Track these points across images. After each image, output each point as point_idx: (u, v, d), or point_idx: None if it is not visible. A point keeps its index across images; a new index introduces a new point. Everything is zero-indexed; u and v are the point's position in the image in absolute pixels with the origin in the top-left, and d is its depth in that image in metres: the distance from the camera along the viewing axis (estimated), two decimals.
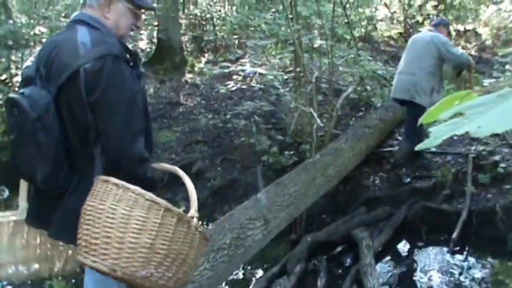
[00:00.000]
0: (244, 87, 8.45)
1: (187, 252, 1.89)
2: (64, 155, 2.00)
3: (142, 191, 1.81)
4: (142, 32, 11.70)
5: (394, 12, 12.92)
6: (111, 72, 1.93)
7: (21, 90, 2.01)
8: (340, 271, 4.65)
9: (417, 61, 5.54)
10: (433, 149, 5.86)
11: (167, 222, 1.81)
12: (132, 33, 2.49)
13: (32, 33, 9.37)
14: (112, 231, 1.78)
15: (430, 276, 4.57)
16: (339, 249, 4.98)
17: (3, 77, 9.36)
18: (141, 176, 2.00)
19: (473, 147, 5.75)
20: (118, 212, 1.79)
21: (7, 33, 8.62)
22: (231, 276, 4.59)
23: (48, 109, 1.94)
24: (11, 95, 2.02)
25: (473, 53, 10.02)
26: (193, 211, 1.93)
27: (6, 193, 7.33)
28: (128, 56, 2.05)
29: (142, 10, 2.21)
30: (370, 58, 7.42)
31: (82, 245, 1.84)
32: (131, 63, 2.05)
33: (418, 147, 0.95)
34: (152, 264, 1.79)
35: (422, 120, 0.94)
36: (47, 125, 1.94)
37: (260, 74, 7.79)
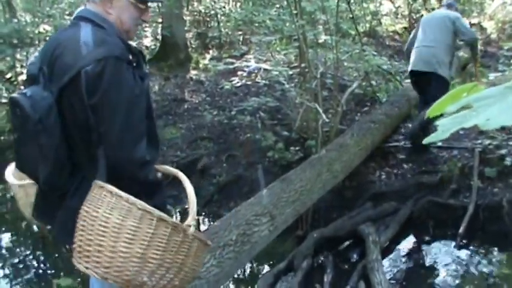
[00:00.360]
0: (249, 83, 8.45)
1: (183, 261, 1.86)
2: (65, 156, 1.99)
3: (136, 200, 1.78)
4: (146, 29, 11.71)
5: (399, 6, 12.89)
6: (112, 75, 1.89)
7: (24, 90, 1.99)
8: (346, 267, 4.64)
9: (434, 35, 5.61)
10: (439, 144, 5.84)
11: (160, 232, 1.79)
12: (139, 27, 2.44)
13: (36, 31, 9.40)
14: (104, 240, 1.77)
15: (437, 271, 4.55)
16: (346, 244, 4.97)
17: (9, 75, 9.40)
18: (142, 179, 1.98)
19: (479, 141, 5.72)
20: (111, 221, 1.77)
21: (12, 32, 8.66)
22: (238, 273, 4.59)
23: (49, 111, 1.92)
24: (14, 94, 2.00)
25: (478, 47, 9.98)
26: (191, 219, 1.90)
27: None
28: (130, 56, 2.00)
29: (149, 4, 2.16)
30: (375, 53, 7.39)
31: (77, 250, 1.84)
32: (134, 64, 2.01)
33: (425, 141, 0.94)
34: (144, 273, 1.78)
35: (429, 113, 0.92)
36: (48, 126, 1.92)
37: (265, 69, 7.78)
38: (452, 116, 0.79)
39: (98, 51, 1.91)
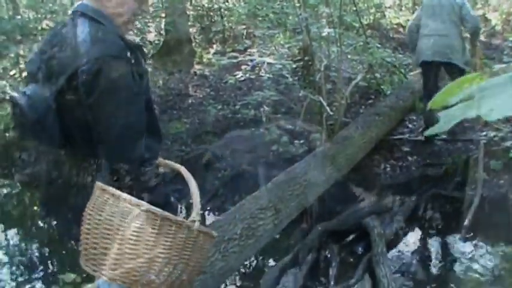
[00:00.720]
0: (253, 77, 8.43)
1: (189, 256, 1.88)
2: (66, 155, 1.99)
3: (139, 201, 1.79)
4: (150, 24, 11.69)
5: None
6: (109, 74, 1.87)
7: (23, 89, 1.98)
8: (352, 260, 4.64)
9: (444, 22, 5.50)
10: (444, 136, 5.82)
11: (165, 231, 1.80)
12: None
13: (39, 27, 9.40)
14: (110, 242, 1.78)
15: (442, 264, 4.55)
16: (351, 238, 4.96)
17: (13, 72, 9.41)
18: (142, 177, 1.96)
19: (484, 133, 5.70)
20: (115, 223, 1.78)
21: (15, 28, 8.67)
22: (243, 267, 4.59)
23: (48, 110, 1.91)
24: (14, 94, 2.00)
25: (483, 38, 9.92)
26: (195, 214, 1.90)
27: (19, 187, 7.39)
28: (128, 53, 1.98)
29: None
30: (379, 45, 7.37)
31: (83, 253, 1.85)
32: (132, 61, 1.98)
33: (427, 133, 0.93)
34: (152, 272, 1.79)
35: (430, 105, 0.91)
36: (46, 126, 1.92)
37: (269, 63, 7.76)
38: (455, 107, 0.78)
39: (95, 50, 1.89)
